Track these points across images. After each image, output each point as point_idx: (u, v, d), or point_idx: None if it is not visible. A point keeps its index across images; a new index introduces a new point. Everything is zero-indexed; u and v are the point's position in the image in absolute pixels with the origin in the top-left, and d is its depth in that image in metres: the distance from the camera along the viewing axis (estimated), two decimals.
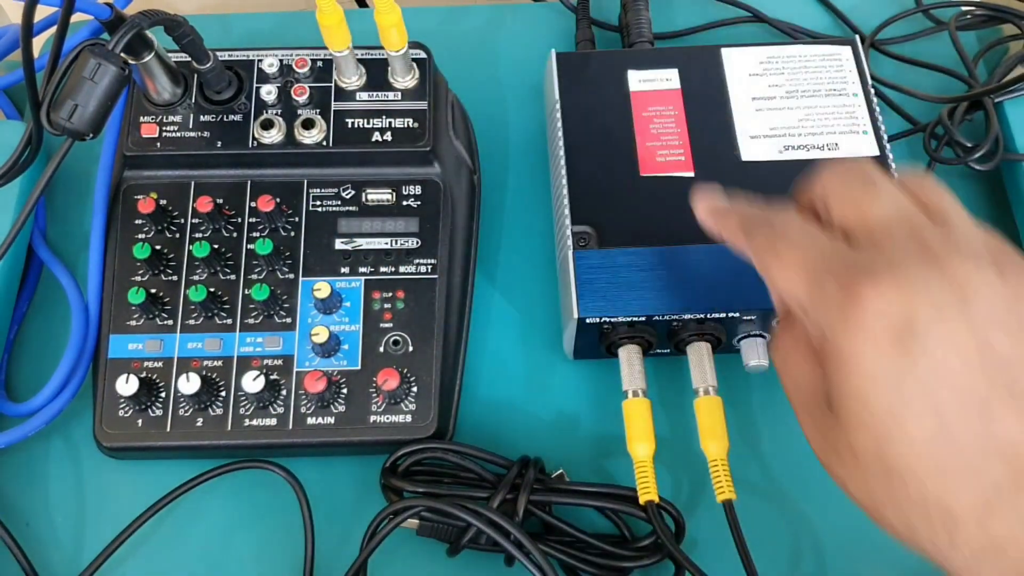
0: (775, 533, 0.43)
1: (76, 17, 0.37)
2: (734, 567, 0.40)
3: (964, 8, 0.56)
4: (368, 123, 0.46)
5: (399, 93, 0.46)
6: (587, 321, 0.42)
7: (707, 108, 0.48)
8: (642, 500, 0.40)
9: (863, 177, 0.32)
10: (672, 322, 0.43)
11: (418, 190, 0.46)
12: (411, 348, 0.44)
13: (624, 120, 0.47)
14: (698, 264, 0.43)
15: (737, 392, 0.46)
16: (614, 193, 0.45)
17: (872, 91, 0.48)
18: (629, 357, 0.43)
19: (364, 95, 0.46)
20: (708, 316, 0.42)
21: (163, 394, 0.43)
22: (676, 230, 0.44)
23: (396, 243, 0.45)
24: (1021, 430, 0.26)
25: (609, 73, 0.49)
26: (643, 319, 0.42)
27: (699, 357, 0.43)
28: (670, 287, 0.42)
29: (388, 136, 0.46)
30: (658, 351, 0.45)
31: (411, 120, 0.46)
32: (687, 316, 0.42)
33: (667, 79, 0.49)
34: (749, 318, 0.43)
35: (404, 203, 0.46)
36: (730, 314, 0.42)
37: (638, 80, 0.48)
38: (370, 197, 0.46)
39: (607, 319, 0.42)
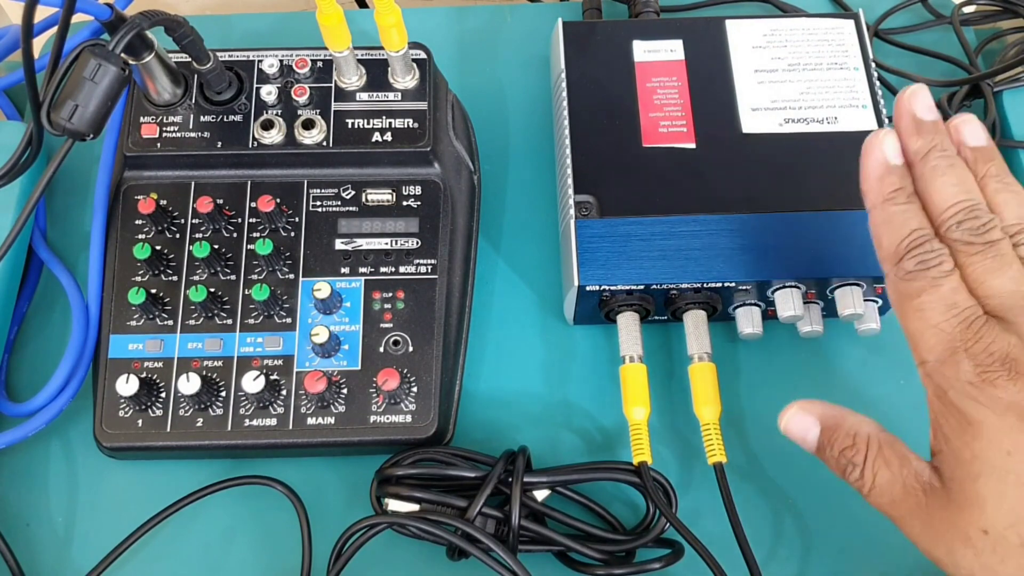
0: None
1: (76, 17, 0.37)
2: (723, 537, 0.40)
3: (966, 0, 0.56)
4: (368, 123, 0.46)
5: (399, 93, 0.46)
6: (587, 289, 0.43)
7: (710, 80, 0.49)
8: (636, 461, 0.42)
9: (988, 241, 0.33)
10: (670, 291, 0.44)
11: (418, 190, 0.46)
12: (411, 348, 0.44)
13: (628, 90, 0.48)
14: (697, 235, 0.44)
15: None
16: (616, 163, 0.46)
17: (873, 65, 0.49)
18: (627, 324, 0.45)
19: (364, 95, 0.46)
20: (704, 285, 0.43)
21: (163, 394, 0.43)
22: (677, 201, 0.45)
23: (396, 243, 0.45)
24: None
25: (614, 43, 0.50)
26: (642, 288, 0.43)
27: (695, 325, 0.45)
28: (669, 257, 0.43)
29: (388, 136, 0.46)
30: (656, 318, 0.46)
31: (411, 120, 0.46)
32: (684, 285, 0.43)
33: (671, 50, 0.49)
34: (745, 288, 0.44)
35: (404, 203, 0.46)
36: (726, 284, 0.43)
37: (643, 50, 0.49)
38: (370, 197, 0.46)
39: (607, 287, 0.43)
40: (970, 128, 0.36)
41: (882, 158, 0.35)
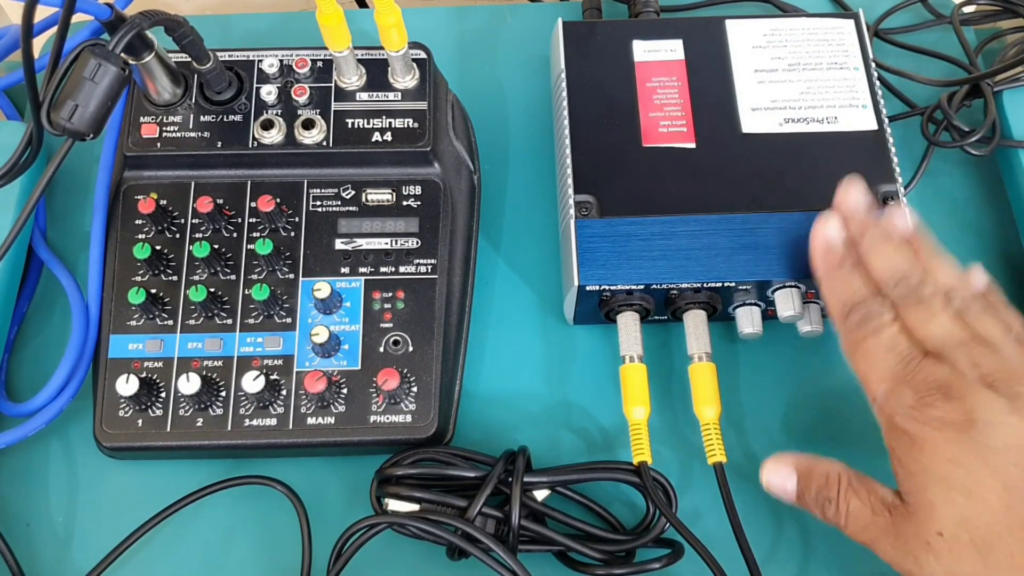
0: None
1: (76, 17, 0.37)
2: (723, 537, 0.40)
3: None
4: (368, 123, 0.46)
5: (399, 93, 0.47)
6: (587, 288, 0.43)
7: (710, 80, 0.49)
8: (636, 461, 0.42)
9: (922, 295, 0.38)
10: (670, 290, 0.44)
11: (418, 190, 0.46)
12: (411, 348, 0.44)
13: (628, 90, 0.48)
14: (696, 235, 0.44)
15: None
16: (616, 163, 0.46)
17: (873, 65, 0.49)
18: (627, 324, 0.45)
19: (364, 95, 0.46)
20: (705, 285, 0.43)
21: (163, 394, 0.43)
22: (676, 200, 0.45)
23: (396, 243, 0.45)
24: None
25: (614, 43, 0.50)
26: (642, 287, 0.43)
27: (695, 325, 0.45)
28: (669, 257, 0.43)
29: (388, 136, 0.46)
30: (656, 318, 0.46)
31: (411, 120, 0.46)
32: (684, 285, 0.43)
33: (671, 50, 0.49)
34: (744, 288, 0.44)
35: (404, 203, 0.46)
36: (726, 284, 0.43)
37: (643, 50, 0.49)
38: (370, 197, 0.46)
39: (607, 287, 0.43)
40: (899, 218, 0.42)
41: (826, 236, 0.41)
